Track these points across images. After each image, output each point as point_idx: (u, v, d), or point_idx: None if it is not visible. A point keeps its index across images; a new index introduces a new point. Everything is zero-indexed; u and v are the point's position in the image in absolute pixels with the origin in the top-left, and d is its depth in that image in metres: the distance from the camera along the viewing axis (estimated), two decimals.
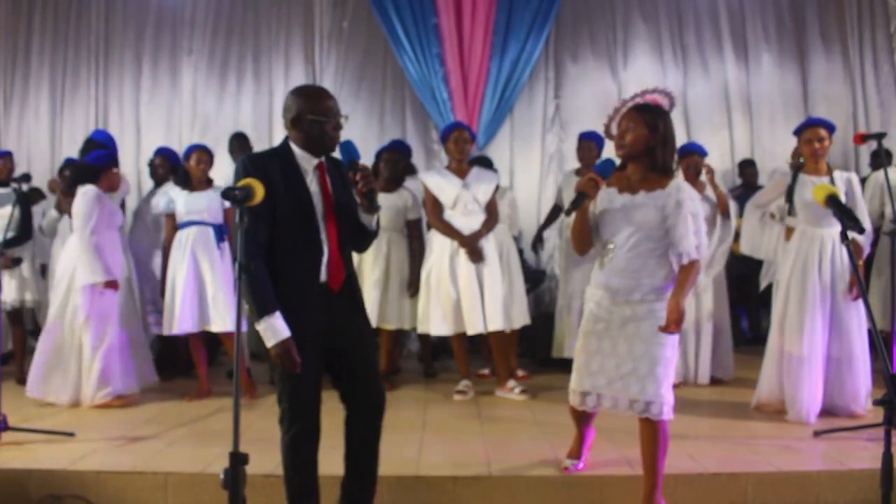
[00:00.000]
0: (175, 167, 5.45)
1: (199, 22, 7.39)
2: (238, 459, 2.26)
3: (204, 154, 4.90)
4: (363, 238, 2.82)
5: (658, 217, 2.83)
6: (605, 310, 2.91)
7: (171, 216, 4.86)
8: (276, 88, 7.36)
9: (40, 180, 6.90)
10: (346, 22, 7.30)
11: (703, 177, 5.00)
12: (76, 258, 4.48)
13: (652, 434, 2.84)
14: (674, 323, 2.76)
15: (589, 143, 5.32)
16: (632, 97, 3.04)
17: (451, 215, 4.75)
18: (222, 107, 7.36)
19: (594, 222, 2.97)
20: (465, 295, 4.69)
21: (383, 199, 4.37)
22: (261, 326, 2.55)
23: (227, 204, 4.68)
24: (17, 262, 5.14)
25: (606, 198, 2.93)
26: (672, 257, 2.83)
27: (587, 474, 3.16)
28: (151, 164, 5.75)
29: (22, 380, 5.23)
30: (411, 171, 5.46)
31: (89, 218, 4.47)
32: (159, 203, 4.94)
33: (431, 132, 7.24)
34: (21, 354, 5.38)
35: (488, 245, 4.76)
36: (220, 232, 4.85)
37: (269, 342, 2.53)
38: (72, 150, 7.01)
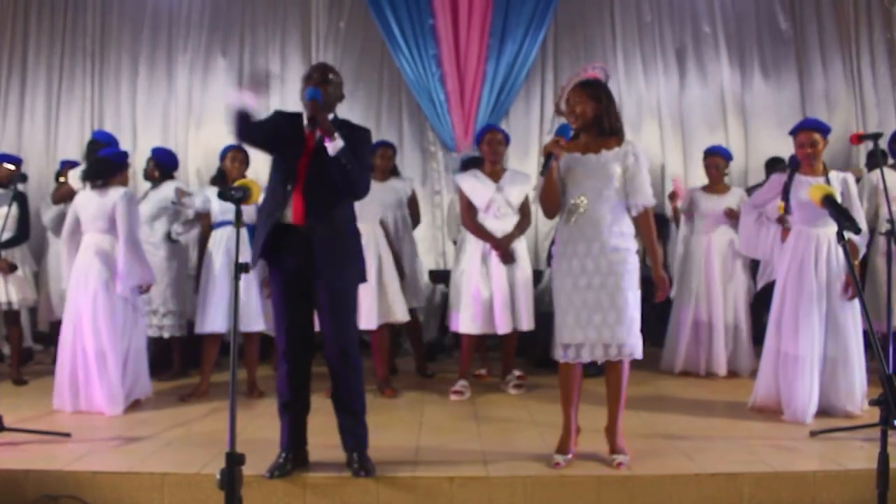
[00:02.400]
0: (165, 168, 5.38)
1: (194, 22, 7.37)
2: (234, 460, 2.26)
3: (238, 153, 4.82)
4: (340, 177, 3.07)
5: (620, 170, 3.24)
6: (580, 262, 3.20)
7: (206, 215, 4.88)
8: (272, 89, 7.33)
9: (38, 181, 6.89)
10: (342, 23, 7.29)
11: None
12: (103, 259, 4.35)
13: (617, 374, 3.26)
14: (663, 291, 3.30)
15: None
16: (575, 74, 3.45)
17: (483, 218, 4.85)
18: (219, 107, 7.34)
19: (561, 186, 3.31)
20: (497, 296, 4.78)
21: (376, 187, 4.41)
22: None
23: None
24: (12, 268, 5.13)
25: (572, 161, 3.29)
26: (631, 203, 3.25)
27: (584, 474, 3.16)
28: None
29: (18, 380, 5.22)
30: (395, 172, 5.44)
31: (137, 222, 4.47)
32: (195, 201, 4.95)
33: (428, 133, 7.24)
34: (17, 355, 5.36)
35: (519, 246, 4.88)
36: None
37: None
38: (68, 151, 6.99)
